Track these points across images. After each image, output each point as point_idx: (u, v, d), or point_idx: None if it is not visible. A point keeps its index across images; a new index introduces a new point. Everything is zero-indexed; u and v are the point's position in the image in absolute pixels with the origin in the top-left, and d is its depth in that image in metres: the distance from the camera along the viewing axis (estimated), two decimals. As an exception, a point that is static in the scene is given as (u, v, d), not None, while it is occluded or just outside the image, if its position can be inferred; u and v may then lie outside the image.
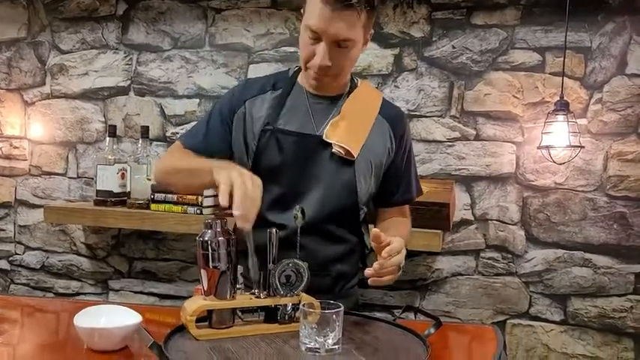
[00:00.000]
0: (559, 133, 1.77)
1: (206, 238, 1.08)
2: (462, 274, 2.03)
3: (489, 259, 2.01)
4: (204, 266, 1.07)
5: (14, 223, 2.44)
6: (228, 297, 1.08)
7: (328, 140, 1.27)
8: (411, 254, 2.03)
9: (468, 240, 2.02)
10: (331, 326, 1.00)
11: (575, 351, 1.94)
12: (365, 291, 2.06)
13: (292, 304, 1.13)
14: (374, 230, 1.10)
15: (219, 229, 1.09)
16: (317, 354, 0.98)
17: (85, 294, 2.34)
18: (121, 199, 2.11)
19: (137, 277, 2.30)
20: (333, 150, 1.27)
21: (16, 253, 2.44)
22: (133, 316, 1.06)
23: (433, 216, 1.83)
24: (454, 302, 2.03)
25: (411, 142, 1.42)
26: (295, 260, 1.12)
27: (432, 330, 1.11)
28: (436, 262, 2.05)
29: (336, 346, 1.00)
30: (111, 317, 1.06)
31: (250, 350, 1.00)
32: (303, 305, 1.03)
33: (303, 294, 1.13)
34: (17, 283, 2.44)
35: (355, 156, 1.28)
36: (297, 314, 1.13)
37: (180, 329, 1.07)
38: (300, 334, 1.01)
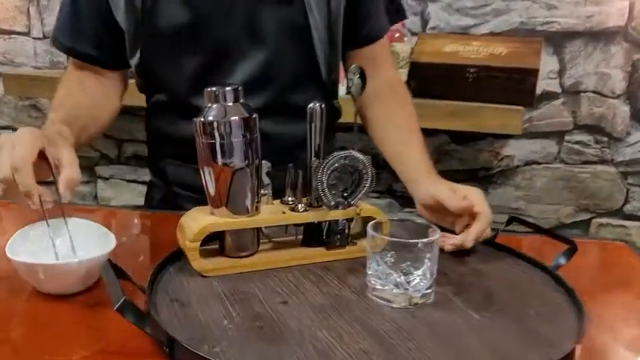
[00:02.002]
0: None
1: (210, 118, 0.68)
2: (538, 163, 1.65)
3: (577, 143, 1.61)
4: (210, 162, 0.69)
5: (-26, 97, 2.05)
6: (248, 210, 0.71)
7: None
8: (475, 137, 1.64)
9: (552, 119, 1.61)
10: (419, 260, 0.64)
11: (677, 257, 1.62)
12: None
13: (345, 220, 0.76)
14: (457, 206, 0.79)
15: (230, 103, 0.69)
16: (403, 309, 0.63)
17: (68, 182, 2.01)
18: (99, 65, 1.68)
19: (128, 164, 1.95)
20: None
21: (-18, 134, 2.07)
22: (103, 238, 0.70)
23: (514, 87, 1.41)
24: (525, 197, 1.67)
25: None
26: (352, 153, 0.73)
27: (563, 260, 0.75)
28: (506, 148, 1.66)
29: (429, 291, 0.64)
30: (69, 241, 0.70)
31: (291, 298, 0.64)
32: (371, 226, 0.66)
33: (364, 204, 0.76)
34: (-12, 169, 2.10)
35: None
36: (352, 230, 0.77)
37: (177, 258, 0.72)
38: (368, 272, 0.66)
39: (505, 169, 1.68)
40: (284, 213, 0.74)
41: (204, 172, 0.70)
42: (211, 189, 0.70)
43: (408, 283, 0.63)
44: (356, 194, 0.75)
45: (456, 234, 0.81)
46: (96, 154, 1.96)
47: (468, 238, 0.77)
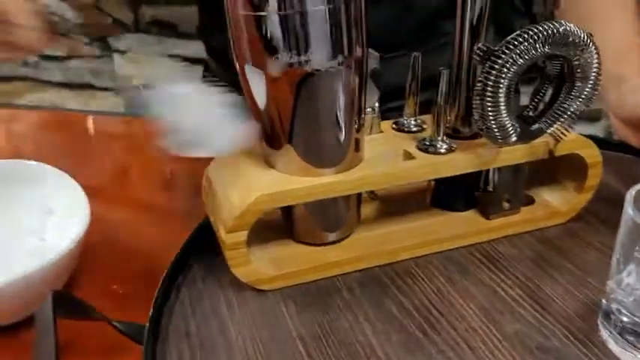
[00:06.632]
0: None
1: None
2: None
3: None
4: (259, 59, 0.32)
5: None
6: (344, 152, 0.35)
7: None
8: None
9: None
10: None
11: None
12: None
13: (519, 165, 0.41)
14: None
15: None
16: None
17: (80, 57, 1.67)
18: None
19: (149, 32, 1.58)
20: None
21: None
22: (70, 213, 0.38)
23: None
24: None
25: None
26: (560, 23, 0.35)
27: None
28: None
29: None
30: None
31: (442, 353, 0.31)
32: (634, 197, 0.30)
33: (569, 133, 0.39)
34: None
35: None
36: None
37: (208, 243, 0.39)
38: (613, 288, 0.31)
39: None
40: (410, 157, 0.38)
41: (245, 78, 0.34)
42: (264, 113, 0.34)
43: None
44: (554, 112, 0.38)
45: None
46: (106, 18, 1.59)
47: None
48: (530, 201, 0.44)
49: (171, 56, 1.59)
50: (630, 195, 0.29)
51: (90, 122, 0.75)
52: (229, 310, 0.34)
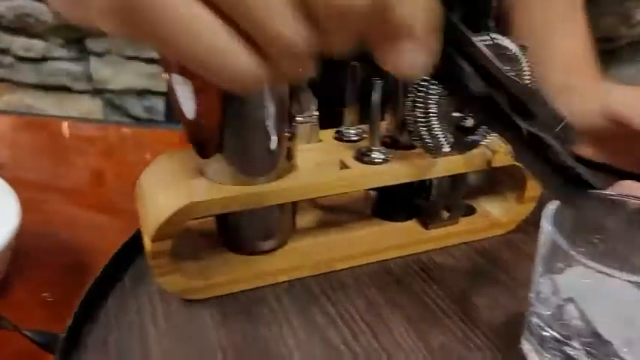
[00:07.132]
0: None
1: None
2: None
3: None
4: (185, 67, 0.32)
5: None
6: (274, 160, 0.35)
7: None
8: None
9: None
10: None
11: None
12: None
13: (455, 175, 0.41)
14: None
15: None
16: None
17: (54, 59, 1.66)
18: None
19: (125, 35, 1.56)
20: None
21: (-55, -4, 1.70)
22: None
23: None
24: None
25: None
26: (497, 38, 0.35)
27: None
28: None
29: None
30: None
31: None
32: (552, 215, 0.30)
33: (496, 145, 0.39)
34: (-40, 42, 1.76)
35: None
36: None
37: (130, 254, 0.39)
38: (533, 306, 0.31)
39: (638, 41, 1.23)
40: (345, 166, 0.38)
41: (172, 86, 0.34)
42: (192, 122, 0.34)
43: None
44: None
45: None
46: (84, 22, 1.58)
47: None
48: (472, 211, 0.45)
49: (147, 60, 1.59)
50: (548, 210, 0.29)
51: (64, 126, 0.75)
52: (153, 321, 0.34)
